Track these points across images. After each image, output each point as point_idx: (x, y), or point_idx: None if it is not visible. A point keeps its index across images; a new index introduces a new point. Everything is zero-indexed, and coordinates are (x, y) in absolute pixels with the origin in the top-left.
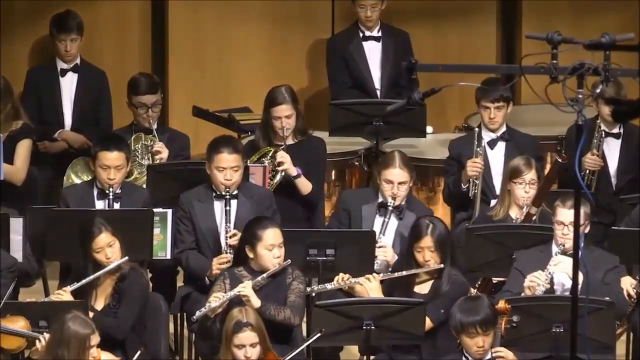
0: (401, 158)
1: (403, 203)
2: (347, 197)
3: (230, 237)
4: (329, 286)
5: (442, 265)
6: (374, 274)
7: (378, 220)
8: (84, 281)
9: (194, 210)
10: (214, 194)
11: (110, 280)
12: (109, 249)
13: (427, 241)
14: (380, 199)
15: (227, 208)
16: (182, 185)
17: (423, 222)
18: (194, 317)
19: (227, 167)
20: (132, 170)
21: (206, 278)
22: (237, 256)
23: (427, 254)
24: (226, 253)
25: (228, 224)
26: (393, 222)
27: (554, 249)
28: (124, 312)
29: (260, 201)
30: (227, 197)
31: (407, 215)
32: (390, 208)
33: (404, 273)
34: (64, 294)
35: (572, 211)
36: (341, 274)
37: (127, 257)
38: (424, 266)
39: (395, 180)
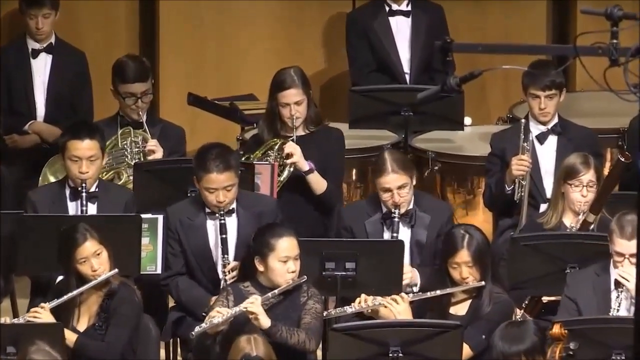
0: (393, 159)
1: (411, 206)
2: (346, 213)
3: (229, 272)
4: (348, 310)
5: (482, 283)
6: (402, 294)
7: (387, 236)
8: (65, 297)
9: (183, 231)
10: (206, 210)
11: (97, 297)
12: (95, 259)
13: (464, 255)
14: (384, 209)
15: (224, 236)
16: (175, 187)
17: (457, 233)
18: (193, 332)
19: (218, 188)
20: (120, 172)
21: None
22: (244, 269)
23: (465, 271)
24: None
25: (225, 256)
26: (405, 232)
27: (613, 273)
28: (112, 334)
29: (264, 215)
30: (222, 221)
31: (420, 217)
32: (396, 219)
33: (438, 292)
34: (43, 312)
35: (632, 242)
36: (363, 295)
37: (117, 270)
38: (462, 284)
39: (393, 187)
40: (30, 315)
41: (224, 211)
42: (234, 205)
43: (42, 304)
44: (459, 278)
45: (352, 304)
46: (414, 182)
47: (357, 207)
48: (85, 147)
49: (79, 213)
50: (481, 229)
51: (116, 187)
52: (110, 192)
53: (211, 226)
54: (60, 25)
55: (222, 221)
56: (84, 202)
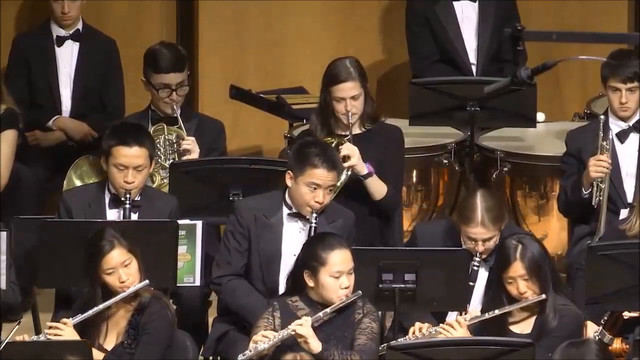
0: (485, 209)
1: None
2: (420, 233)
3: None
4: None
5: (543, 296)
6: (459, 319)
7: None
8: (90, 312)
9: (256, 228)
10: (288, 211)
11: (125, 312)
12: (123, 269)
13: (518, 268)
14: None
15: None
16: (216, 190)
17: (510, 244)
18: None
19: (322, 186)
20: (153, 174)
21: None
22: (292, 283)
23: (522, 285)
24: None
25: None
26: (482, 274)
27: None
28: (141, 354)
29: (343, 229)
30: (313, 223)
31: None
32: (475, 267)
33: (497, 312)
34: (65, 329)
35: None
36: (417, 324)
37: (147, 281)
38: (520, 300)
39: (479, 239)
40: (51, 332)
41: (318, 214)
42: None
43: (65, 320)
44: (517, 293)
45: (407, 335)
46: (503, 227)
47: (434, 230)
48: (133, 154)
49: None
50: (537, 238)
51: (160, 194)
52: (154, 201)
53: (290, 229)
54: (88, 9)
55: (314, 224)
56: (127, 214)
